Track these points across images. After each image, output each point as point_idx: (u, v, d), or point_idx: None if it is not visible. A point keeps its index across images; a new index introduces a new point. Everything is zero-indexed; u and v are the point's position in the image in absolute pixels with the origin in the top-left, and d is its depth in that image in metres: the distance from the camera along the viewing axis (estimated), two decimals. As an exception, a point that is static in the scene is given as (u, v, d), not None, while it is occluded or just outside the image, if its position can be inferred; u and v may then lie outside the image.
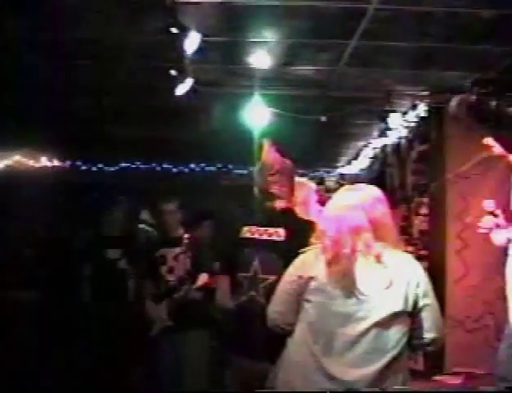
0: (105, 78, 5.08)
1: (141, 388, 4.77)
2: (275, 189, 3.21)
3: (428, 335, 2.45)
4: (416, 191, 5.99)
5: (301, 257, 2.55)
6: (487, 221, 3.47)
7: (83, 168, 9.03)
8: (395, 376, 2.36)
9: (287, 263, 2.64)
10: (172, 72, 4.31)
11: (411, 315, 2.40)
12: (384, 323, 2.33)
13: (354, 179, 8.07)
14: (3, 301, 5.60)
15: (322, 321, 2.39)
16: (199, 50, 3.88)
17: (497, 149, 3.46)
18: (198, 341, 4.47)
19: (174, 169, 9.17)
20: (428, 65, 4.70)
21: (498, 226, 3.42)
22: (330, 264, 2.40)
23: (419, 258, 5.74)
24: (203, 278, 4.48)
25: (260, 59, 4.49)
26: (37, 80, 5.00)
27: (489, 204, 3.48)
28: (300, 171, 7.93)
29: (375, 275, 2.37)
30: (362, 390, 2.30)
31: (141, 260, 4.94)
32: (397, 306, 2.35)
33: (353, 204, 2.47)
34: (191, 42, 3.77)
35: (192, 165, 9.11)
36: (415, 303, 2.40)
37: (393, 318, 2.34)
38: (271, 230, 3.16)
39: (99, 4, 3.67)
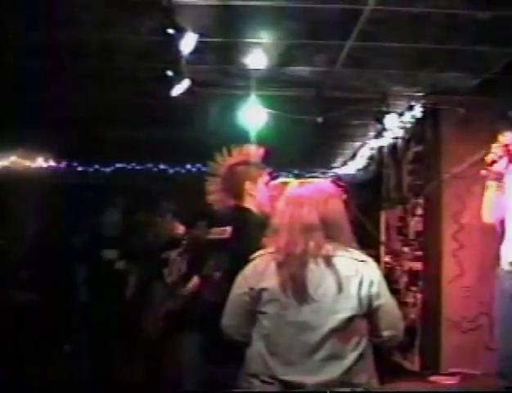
0: (101, 78, 5.07)
1: (139, 389, 4.77)
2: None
3: (386, 333, 2.36)
4: (412, 192, 6.00)
5: (251, 265, 2.42)
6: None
7: (79, 169, 9.01)
8: (357, 377, 2.28)
9: (234, 262, 2.56)
10: (169, 73, 4.31)
11: (368, 315, 2.33)
12: (341, 329, 2.26)
13: (350, 180, 8.08)
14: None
15: (277, 332, 2.30)
16: (196, 51, 3.88)
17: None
18: (193, 344, 4.44)
19: (170, 170, 9.16)
20: (425, 66, 4.71)
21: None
22: (280, 266, 2.31)
23: (415, 259, 5.79)
24: (193, 282, 4.45)
25: (256, 60, 4.49)
26: (33, 81, 4.99)
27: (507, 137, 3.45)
28: (296, 172, 7.98)
29: (325, 279, 2.29)
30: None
31: (140, 262, 4.94)
32: (352, 311, 2.27)
33: (305, 200, 2.38)
34: (188, 42, 3.77)
35: (188, 166, 9.10)
36: (370, 304, 2.31)
37: (349, 322, 2.27)
38: (220, 229, 3.11)
39: (95, 5, 3.67)
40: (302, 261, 2.31)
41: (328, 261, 2.31)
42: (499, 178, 3.51)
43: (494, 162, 3.48)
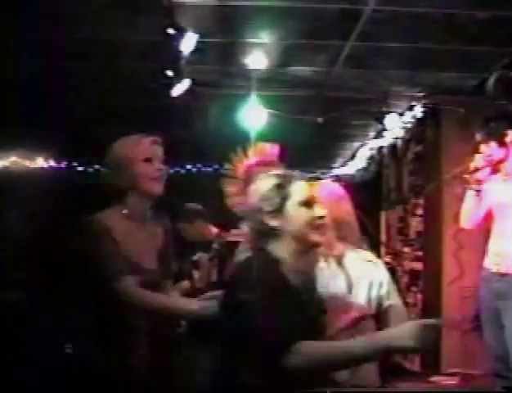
0: (101, 78, 5.07)
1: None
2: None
3: None
4: (413, 193, 5.99)
5: None
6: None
7: (79, 169, 8.99)
8: (362, 376, 2.28)
9: None
10: (169, 73, 4.31)
11: (377, 315, 2.35)
12: (348, 329, 2.27)
13: (350, 180, 8.08)
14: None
15: None
16: (196, 51, 3.88)
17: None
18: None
19: (170, 170, 9.14)
20: (425, 66, 4.71)
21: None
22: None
23: (415, 259, 5.78)
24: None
25: (257, 60, 4.49)
26: (33, 81, 4.99)
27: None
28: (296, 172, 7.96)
29: (335, 279, 2.31)
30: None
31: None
32: (361, 311, 2.30)
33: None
34: (188, 42, 3.78)
35: (188, 166, 9.09)
36: (379, 305, 2.34)
37: (357, 322, 2.29)
38: (237, 231, 3.07)
39: (95, 4, 3.67)
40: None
41: (339, 261, 2.33)
42: (479, 186, 3.56)
43: (476, 170, 3.53)
